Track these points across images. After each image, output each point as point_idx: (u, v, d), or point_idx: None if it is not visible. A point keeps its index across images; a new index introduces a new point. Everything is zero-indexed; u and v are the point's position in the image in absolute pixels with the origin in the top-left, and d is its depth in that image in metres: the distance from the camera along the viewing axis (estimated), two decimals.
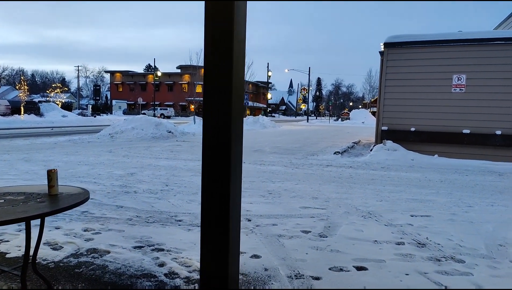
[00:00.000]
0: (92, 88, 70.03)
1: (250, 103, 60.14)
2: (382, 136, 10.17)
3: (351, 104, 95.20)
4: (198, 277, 2.59)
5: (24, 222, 1.84)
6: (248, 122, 25.96)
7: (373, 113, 38.39)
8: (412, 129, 9.86)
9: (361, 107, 63.94)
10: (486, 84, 9.22)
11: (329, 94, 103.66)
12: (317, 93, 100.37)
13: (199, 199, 3.31)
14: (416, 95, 9.82)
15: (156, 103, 53.68)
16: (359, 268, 2.83)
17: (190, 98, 41.79)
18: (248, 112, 59.22)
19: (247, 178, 6.53)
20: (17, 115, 28.18)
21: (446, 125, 9.52)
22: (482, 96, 9.25)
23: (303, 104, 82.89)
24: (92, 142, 12.55)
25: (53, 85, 54.07)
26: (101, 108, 58.04)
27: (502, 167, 8.34)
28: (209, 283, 1.57)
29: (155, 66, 54.63)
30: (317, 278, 2.65)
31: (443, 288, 2.53)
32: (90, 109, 46.80)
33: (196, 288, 2.44)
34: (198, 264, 2.61)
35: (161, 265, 2.80)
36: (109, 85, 74.40)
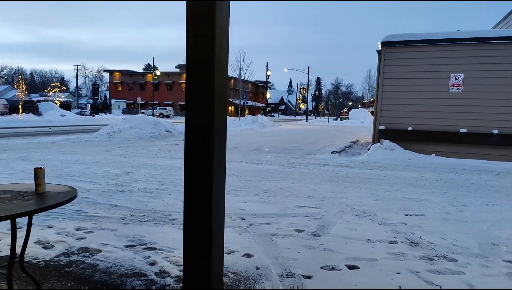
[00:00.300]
0: (91, 88, 69.93)
1: (249, 103, 60.10)
2: (379, 135, 10.17)
3: (350, 103, 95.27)
4: None
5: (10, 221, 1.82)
6: (247, 121, 25.92)
7: (372, 113, 38.37)
8: (410, 128, 9.85)
9: (360, 107, 63.94)
10: (484, 83, 9.22)
11: (328, 93, 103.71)
12: (317, 92, 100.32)
13: None
14: (414, 94, 9.81)
15: (155, 102, 53.64)
16: (351, 267, 2.82)
17: None
18: (247, 111, 59.19)
19: (243, 177, 6.52)
20: (15, 114, 28.15)
21: (443, 125, 9.52)
22: (479, 95, 9.25)
23: (302, 104, 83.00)
24: (89, 141, 12.53)
25: (52, 84, 54.03)
26: (100, 107, 57.96)
27: (499, 167, 8.34)
28: (191, 283, 1.55)
29: (154, 65, 54.64)
30: (308, 277, 2.64)
31: (435, 288, 2.53)
32: (89, 109, 46.74)
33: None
34: None
35: (152, 264, 2.79)
36: (108, 85, 74.32)
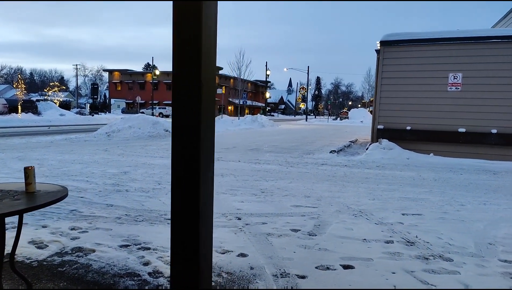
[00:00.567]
0: (90, 87, 69.91)
1: (249, 102, 60.06)
2: (378, 134, 10.16)
3: (350, 103, 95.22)
4: None
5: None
6: (247, 121, 25.90)
7: (372, 112, 38.36)
8: (408, 127, 9.84)
9: (360, 106, 63.93)
10: (482, 82, 9.20)
11: (328, 93, 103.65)
12: (316, 92, 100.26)
13: None
14: (412, 93, 9.79)
15: (154, 102, 53.59)
16: (346, 267, 2.81)
17: None
18: (247, 111, 59.17)
19: (240, 177, 6.51)
20: (14, 113, 28.13)
21: (442, 124, 9.50)
22: (478, 94, 9.23)
23: (302, 103, 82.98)
24: (88, 141, 12.51)
25: (51, 84, 53.99)
26: (100, 106, 57.95)
27: (497, 166, 8.32)
28: (179, 283, 1.54)
29: (153, 65, 54.55)
30: (303, 277, 2.63)
31: (430, 288, 2.51)
32: (88, 108, 46.69)
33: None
34: None
35: (146, 264, 2.78)
36: (107, 84, 74.29)
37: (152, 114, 38.43)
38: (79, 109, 48.96)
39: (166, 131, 15.31)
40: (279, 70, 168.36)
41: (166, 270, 2.68)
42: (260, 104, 73.69)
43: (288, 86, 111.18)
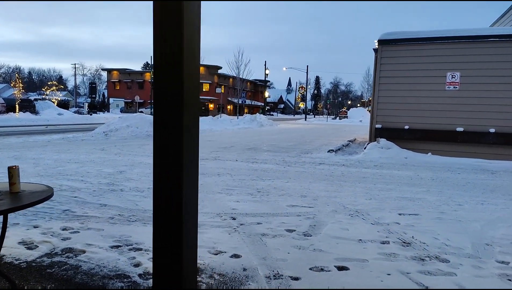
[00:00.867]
0: (89, 86, 69.74)
1: (248, 102, 59.96)
2: (376, 134, 10.11)
3: (349, 102, 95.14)
4: None
5: None
6: (245, 120, 25.85)
7: None
8: (406, 127, 9.79)
9: (359, 106, 63.91)
10: (481, 81, 9.16)
11: (327, 92, 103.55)
12: (316, 91, 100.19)
13: None
14: (410, 92, 9.75)
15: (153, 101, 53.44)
16: (341, 268, 2.76)
17: None
18: (246, 110, 59.10)
19: (237, 176, 6.46)
20: (12, 113, 28.04)
21: (439, 123, 9.46)
22: (476, 93, 9.18)
23: (301, 103, 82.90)
24: (85, 140, 12.44)
25: (50, 83, 53.83)
26: (98, 106, 57.78)
27: (495, 165, 8.29)
28: (161, 283, 1.49)
29: (152, 64, 54.44)
30: (296, 279, 2.58)
31: (424, 288, 2.47)
32: (87, 107, 46.55)
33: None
34: None
35: (137, 265, 2.73)
36: (106, 83, 74.12)
37: (151, 113, 38.30)
38: (77, 108, 48.83)
39: None
40: (279, 70, 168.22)
41: None
42: (259, 103, 73.60)
43: (287, 86, 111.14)
